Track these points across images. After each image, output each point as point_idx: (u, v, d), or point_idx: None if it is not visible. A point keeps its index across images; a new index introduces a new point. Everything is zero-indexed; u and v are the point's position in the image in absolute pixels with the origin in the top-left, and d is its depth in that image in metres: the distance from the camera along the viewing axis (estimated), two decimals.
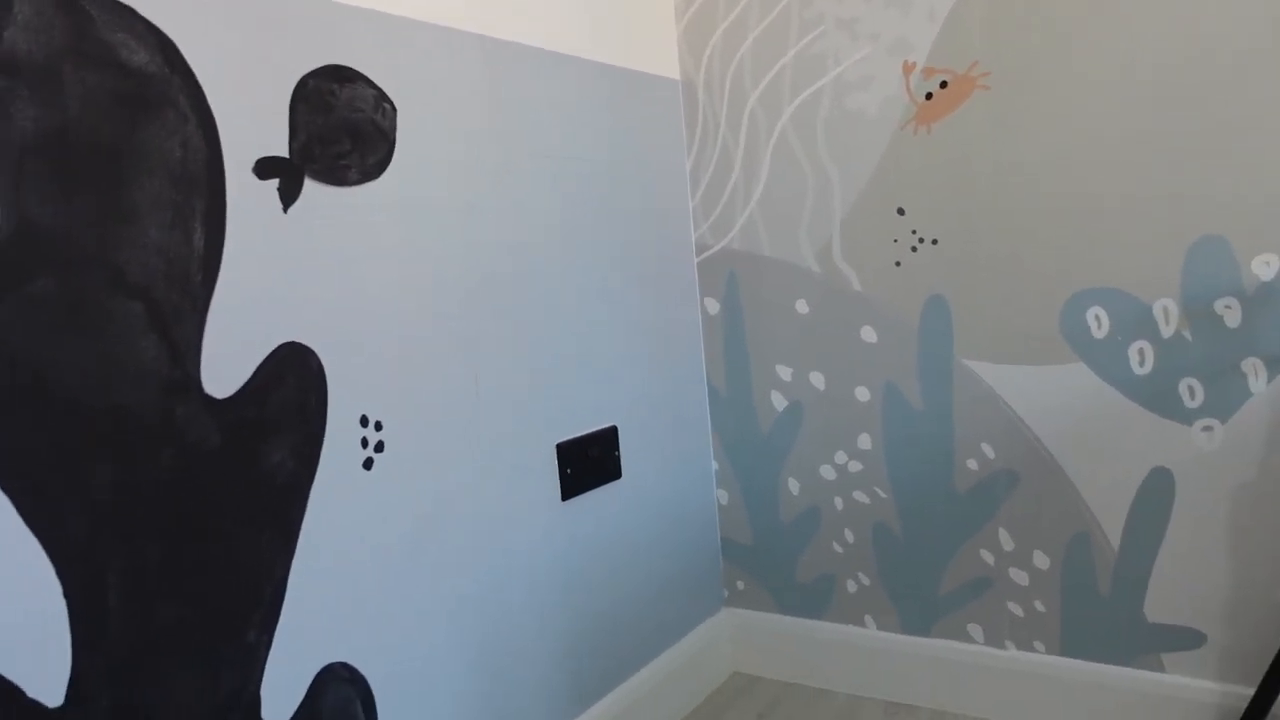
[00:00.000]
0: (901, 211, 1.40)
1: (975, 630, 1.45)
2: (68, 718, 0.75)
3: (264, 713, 0.90)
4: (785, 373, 1.56)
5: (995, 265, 1.34)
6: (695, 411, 1.61)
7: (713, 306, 1.62)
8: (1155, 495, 1.27)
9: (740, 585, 1.67)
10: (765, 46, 1.48)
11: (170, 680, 0.82)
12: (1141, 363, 1.26)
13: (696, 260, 1.62)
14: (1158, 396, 1.25)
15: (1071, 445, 1.32)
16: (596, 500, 1.37)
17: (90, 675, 0.76)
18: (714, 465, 1.66)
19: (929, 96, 1.36)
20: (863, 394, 1.49)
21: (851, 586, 1.55)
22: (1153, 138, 1.21)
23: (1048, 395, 1.32)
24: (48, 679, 0.74)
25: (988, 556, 1.41)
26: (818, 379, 1.53)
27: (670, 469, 1.54)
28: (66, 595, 0.75)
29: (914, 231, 1.40)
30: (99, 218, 0.77)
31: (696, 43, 1.55)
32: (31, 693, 0.73)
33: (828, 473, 1.54)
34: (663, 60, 1.53)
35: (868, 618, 1.55)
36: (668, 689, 1.50)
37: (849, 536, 1.54)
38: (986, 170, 1.33)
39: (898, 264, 1.42)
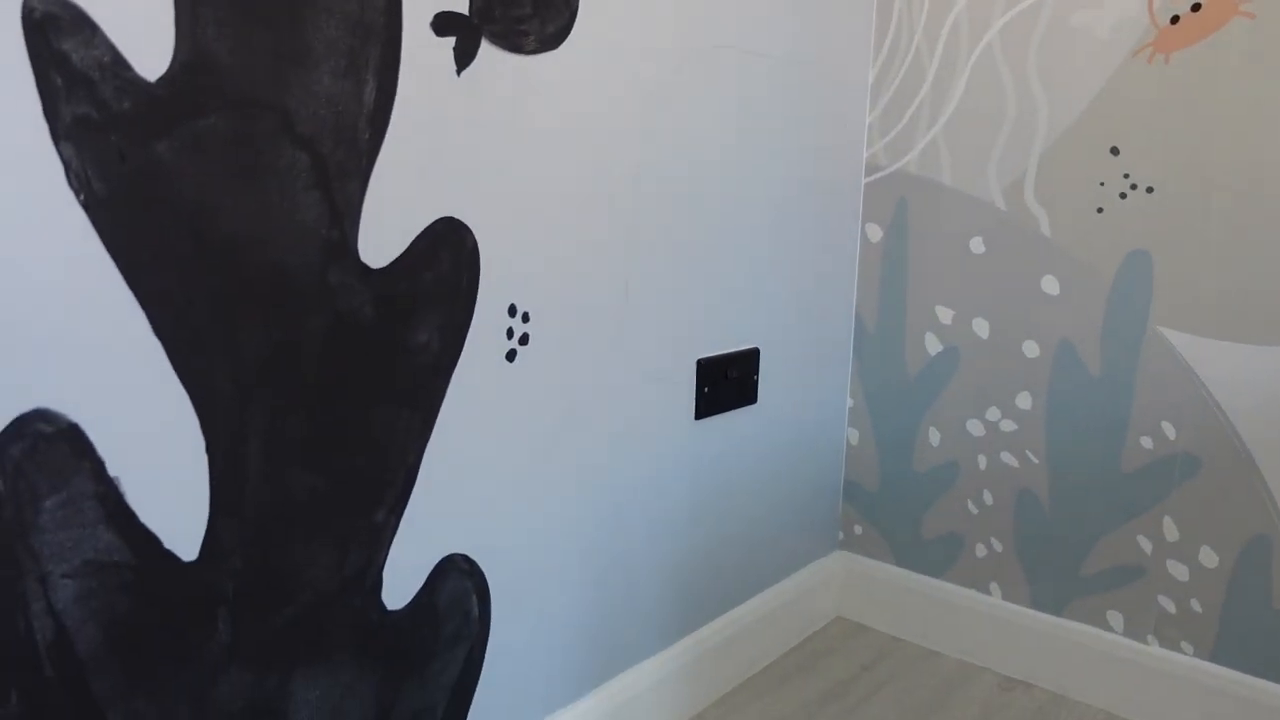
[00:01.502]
0: (1115, 151, 1.24)
1: (1115, 618, 1.34)
2: (200, 572, 0.73)
3: (384, 594, 0.88)
4: (945, 314, 1.43)
5: (1223, 223, 1.17)
6: (837, 342, 1.51)
7: (875, 233, 1.49)
8: None
9: (857, 530, 1.59)
10: None
11: (299, 550, 0.80)
12: None
13: (864, 181, 1.49)
14: None
15: (1274, 438, 1.17)
16: (729, 424, 1.30)
17: (224, 535, 0.74)
18: (849, 402, 1.56)
19: (1174, 20, 1.17)
20: (1031, 349, 1.35)
21: (981, 550, 1.46)
22: None
23: (1258, 379, 1.17)
24: (184, 533, 0.72)
25: (1145, 544, 1.29)
26: (981, 326, 1.40)
27: (804, 400, 1.45)
28: (209, 452, 0.72)
29: (1126, 175, 1.23)
30: (274, 57, 0.71)
31: None
32: (168, 544, 0.71)
33: (975, 428, 1.43)
34: None
35: (994, 585, 1.45)
36: (772, 623, 1.45)
37: (987, 498, 1.43)
38: (1232, 112, 1.15)
39: (1100, 210, 1.26)
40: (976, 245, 1.38)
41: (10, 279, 0.60)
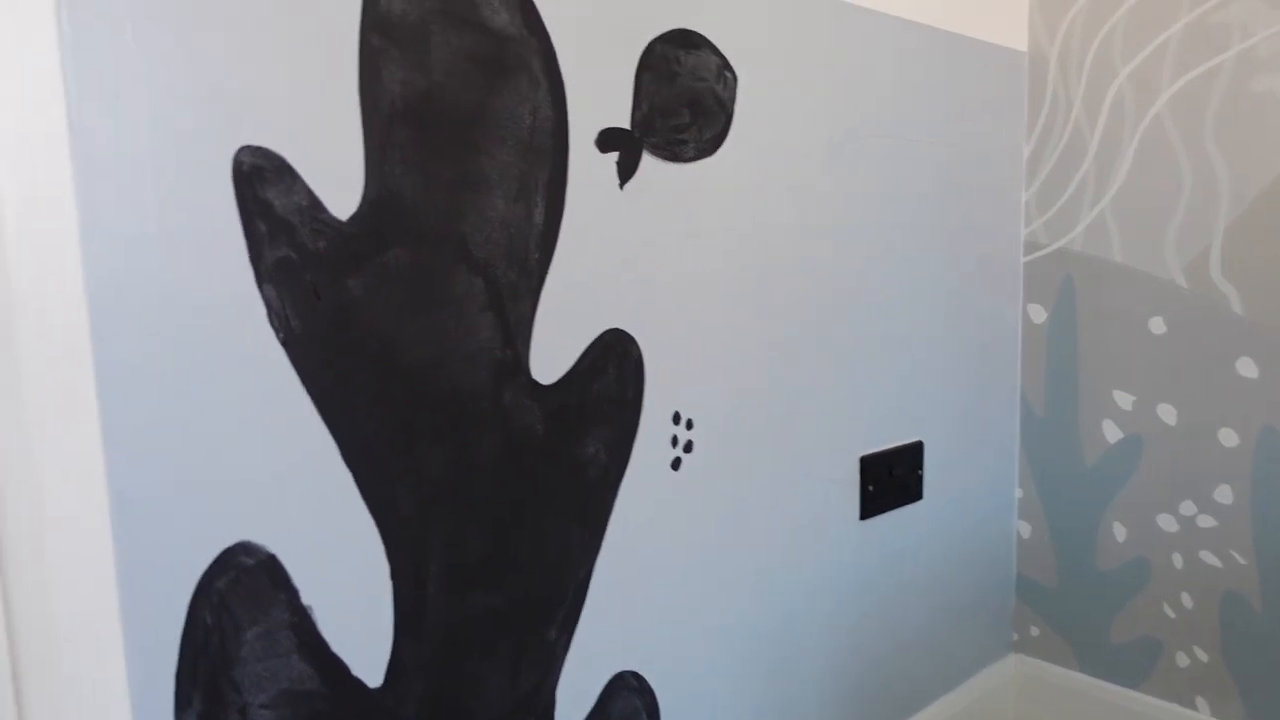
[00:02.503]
0: None
1: None
2: (384, 700, 0.73)
3: (556, 715, 0.85)
4: (1125, 400, 1.33)
5: None
6: (1003, 431, 1.43)
7: (1038, 314, 1.41)
8: None
9: (1034, 631, 1.47)
10: (1145, 15, 1.25)
11: (477, 671, 0.79)
12: None
13: (1024, 260, 1.42)
14: None
15: None
16: (894, 522, 1.23)
17: (407, 660, 0.74)
18: (1018, 492, 1.47)
19: None
20: (1229, 437, 1.24)
21: (1183, 660, 1.32)
22: None
23: None
24: (369, 659, 0.72)
25: None
26: (1168, 412, 1.29)
27: (971, 493, 1.37)
28: (393, 576, 0.73)
29: None
30: (452, 188, 0.73)
31: (1053, 10, 1.34)
32: (356, 670, 0.71)
33: (1168, 523, 1.31)
34: (1010, 29, 1.34)
35: (1200, 700, 1.30)
36: None
37: (1186, 601, 1.30)
38: None
39: None
40: (1156, 325, 1.29)
41: (218, 418, 0.63)
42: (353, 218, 0.68)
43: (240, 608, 0.64)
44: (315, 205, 0.66)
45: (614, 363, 0.87)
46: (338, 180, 0.67)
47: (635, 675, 0.92)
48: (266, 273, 0.64)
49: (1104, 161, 1.31)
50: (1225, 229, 1.21)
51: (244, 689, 0.65)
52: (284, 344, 0.65)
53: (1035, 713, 1.48)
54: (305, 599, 0.68)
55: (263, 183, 0.63)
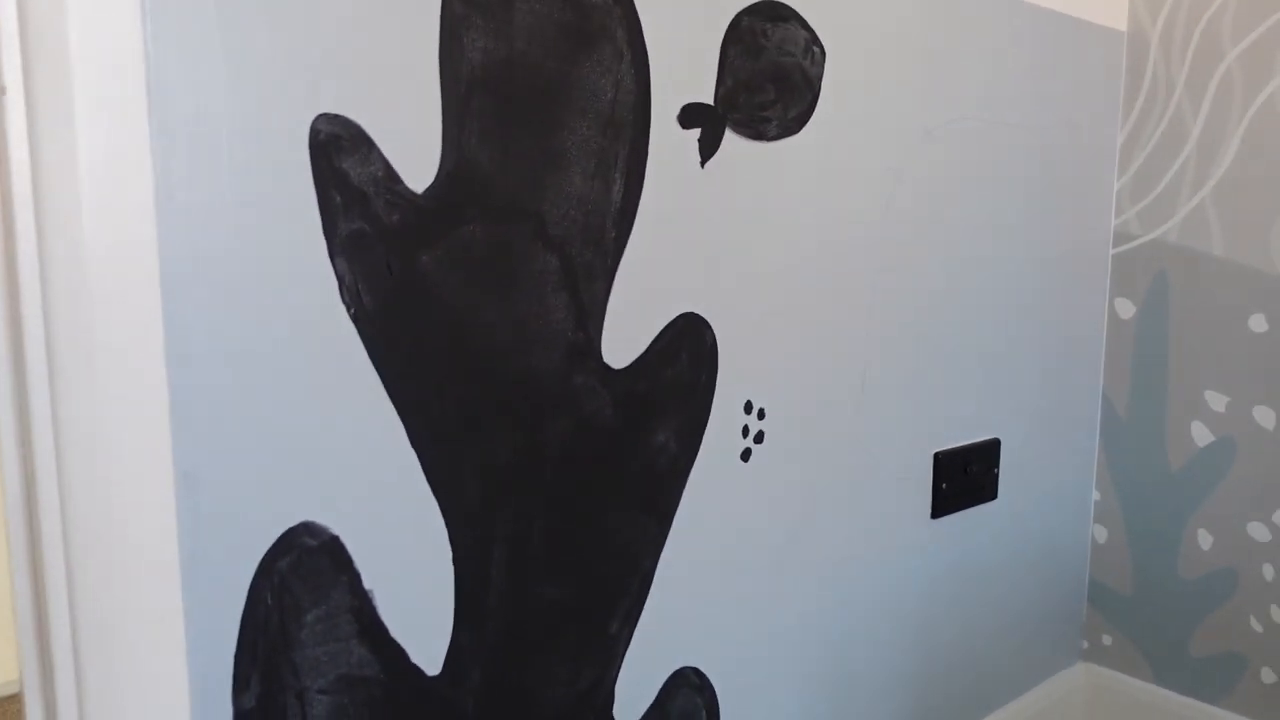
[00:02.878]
0: None
1: None
2: (441, 688, 0.71)
3: (615, 709, 0.83)
4: (1218, 401, 1.26)
5: None
6: (1082, 431, 1.36)
7: (1125, 309, 1.34)
8: None
9: (1106, 640, 1.41)
10: None
11: (536, 663, 0.76)
12: None
13: (1112, 252, 1.35)
14: None
15: None
16: (967, 522, 1.18)
17: (467, 649, 0.72)
18: (1095, 495, 1.40)
19: None
20: None
21: (1269, 676, 1.25)
22: None
23: None
24: (429, 646, 0.70)
25: None
26: (1266, 415, 1.22)
27: (1046, 494, 1.31)
28: (455, 562, 0.71)
29: None
30: (530, 161, 0.70)
31: None
32: (414, 657, 0.69)
33: (1259, 532, 1.24)
34: (1109, 7, 1.26)
35: None
36: None
37: (1276, 615, 1.23)
38: None
39: None
40: (1257, 323, 1.21)
41: (285, 395, 0.61)
42: (428, 190, 0.65)
43: (301, 589, 0.63)
44: (391, 176, 0.64)
45: (687, 348, 0.83)
46: (414, 151, 0.64)
47: (696, 671, 0.89)
48: (339, 245, 0.62)
49: (1207, 148, 1.23)
50: None
51: (302, 672, 0.63)
52: (354, 319, 0.63)
53: None
54: (367, 583, 0.66)
55: (339, 152, 0.61)
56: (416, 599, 0.69)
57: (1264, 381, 1.21)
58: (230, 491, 0.59)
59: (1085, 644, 1.44)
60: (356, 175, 0.62)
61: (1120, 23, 1.29)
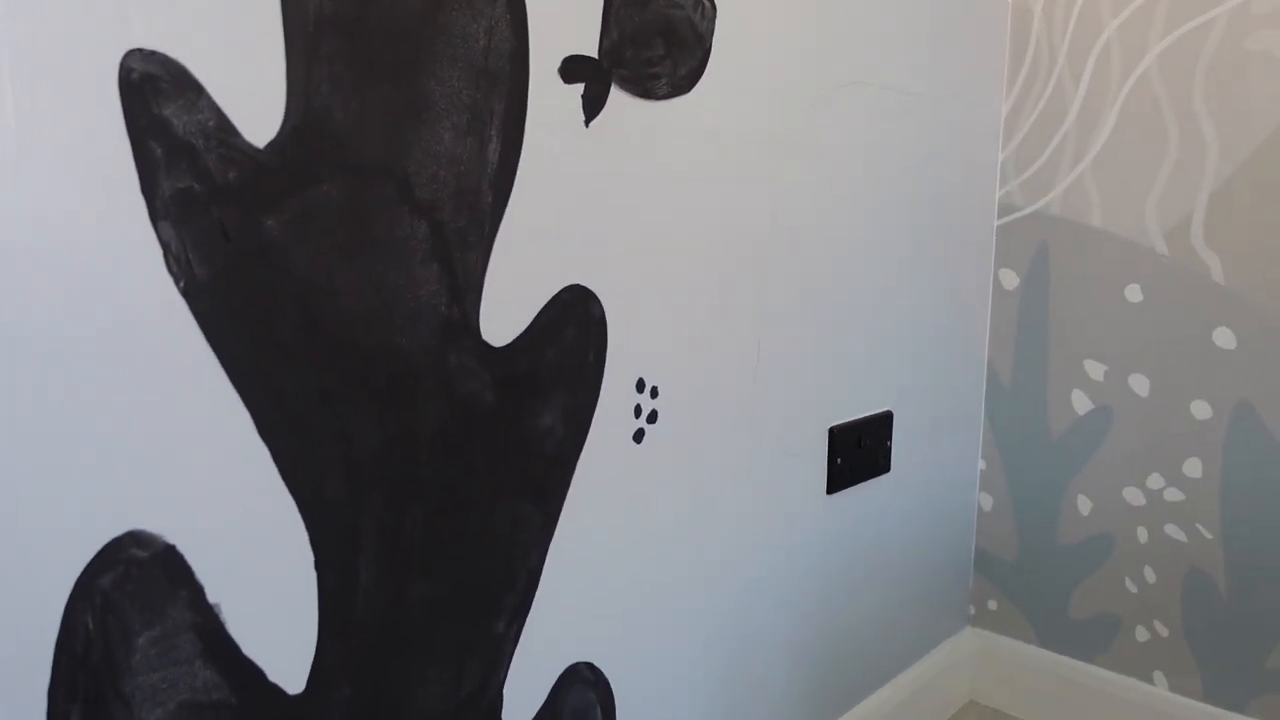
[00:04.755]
0: None
1: None
2: (306, 707, 0.63)
3: (504, 712, 0.77)
4: (1096, 370, 1.29)
5: None
6: (968, 400, 1.37)
7: (1009, 280, 1.36)
8: None
9: (992, 605, 1.44)
10: None
11: (414, 670, 0.70)
12: None
13: (997, 223, 1.36)
14: None
15: None
16: (861, 496, 1.17)
17: (334, 661, 0.65)
18: (981, 464, 1.42)
19: None
20: (1201, 410, 1.20)
21: (1142, 634, 1.29)
22: None
23: None
24: (290, 662, 0.62)
25: None
26: (1140, 383, 1.25)
27: (935, 465, 1.32)
28: (317, 565, 0.63)
29: None
30: (391, 115, 0.62)
31: None
32: (273, 676, 0.61)
33: (1134, 496, 1.27)
34: None
35: (1158, 675, 1.28)
36: (903, 711, 1.30)
37: (1149, 576, 1.27)
38: None
39: None
40: (1133, 294, 1.24)
41: (102, 383, 0.52)
42: (271, 144, 0.57)
43: (131, 609, 0.54)
44: (225, 128, 0.55)
45: (574, 323, 0.77)
46: (253, 99, 0.56)
47: (590, 666, 0.84)
48: (163, 207, 0.53)
49: (1087, 121, 1.25)
50: (1210, 195, 1.16)
51: (135, 704, 0.54)
52: (184, 294, 0.54)
53: (991, 686, 1.45)
54: (211, 596, 0.58)
55: (157, 96, 0.52)
56: (273, 610, 0.61)
57: (1139, 350, 1.24)
58: (37, 499, 0.50)
59: (973, 609, 1.47)
60: (181, 125, 0.53)
61: None
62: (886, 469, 1.20)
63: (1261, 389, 1.14)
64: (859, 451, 1.14)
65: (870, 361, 1.15)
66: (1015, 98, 1.32)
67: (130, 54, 0.51)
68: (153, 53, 0.51)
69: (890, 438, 1.19)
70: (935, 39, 1.16)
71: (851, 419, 1.12)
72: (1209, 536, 1.21)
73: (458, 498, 0.71)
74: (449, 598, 0.71)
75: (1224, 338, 1.17)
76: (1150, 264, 1.22)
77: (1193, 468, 1.22)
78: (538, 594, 0.78)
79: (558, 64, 0.72)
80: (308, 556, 0.62)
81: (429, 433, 0.68)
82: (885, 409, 1.19)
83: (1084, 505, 1.32)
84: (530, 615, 0.78)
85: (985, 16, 1.25)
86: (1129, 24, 1.20)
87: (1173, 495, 1.24)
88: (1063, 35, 1.26)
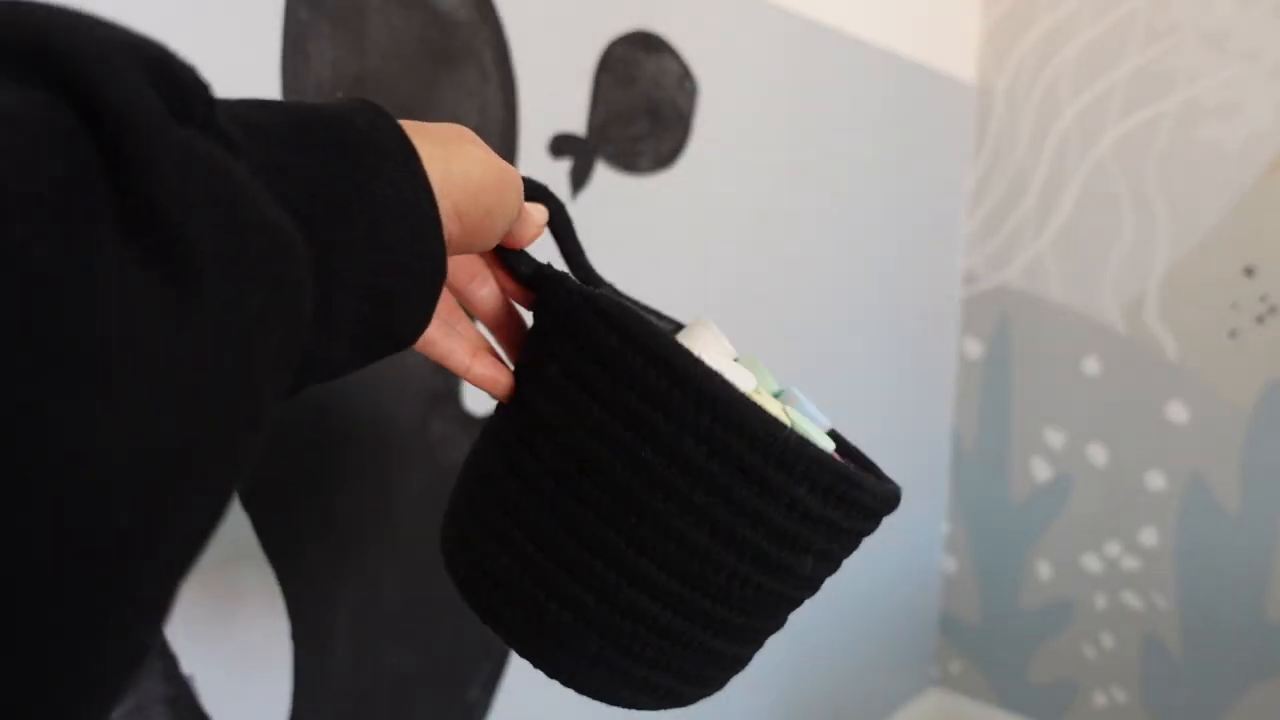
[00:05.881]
0: (1250, 272, 1.14)
1: None
2: None
3: None
4: (1056, 438, 1.32)
5: None
6: (933, 465, 1.40)
7: (974, 349, 1.40)
8: None
9: (955, 668, 1.46)
10: (1095, 55, 1.24)
11: None
12: None
13: (961, 295, 1.40)
14: None
15: None
16: None
17: None
18: (944, 528, 1.45)
19: None
20: (1156, 481, 1.24)
21: (1100, 700, 1.31)
22: None
23: None
24: None
25: None
26: (1098, 453, 1.29)
27: (900, 528, 1.34)
28: (294, 636, 0.63)
29: (1263, 298, 1.14)
30: None
31: (1003, 42, 1.32)
32: None
33: (1092, 563, 1.30)
34: (959, 59, 1.32)
35: None
36: None
37: (1107, 642, 1.30)
38: None
39: (1233, 334, 1.16)
40: (1091, 366, 1.28)
41: None
42: None
43: None
44: None
45: None
46: None
47: None
48: None
49: (1047, 199, 1.30)
50: (1163, 275, 1.21)
51: None
52: None
53: None
54: (185, 667, 0.57)
55: None
56: (247, 681, 0.61)
57: (1097, 421, 1.28)
58: None
59: (935, 671, 1.48)
60: None
61: (970, 75, 1.35)
62: None
63: (1213, 462, 1.19)
64: None
65: (837, 425, 1.17)
66: (981, 173, 1.37)
67: None
68: None
69: None
70: (903, 119, 1.21)
71: None
72: (1164, 605, 1.24)
73: (434, 564, 0.71)
74: (423, 665, 0.71)
75: (1177, 412, 1.21)
76: (1107, 338, 1.26)
77: (1149, 536, 1.25)
78: (510, 661, 0.78)
79: (546, 140, 0.75)
80: (284, 626, 0.62)
81: (409, 500, 0.68)
82: None
83: (1044, 571, 1.35)
84: (503, 683, 0.78)
85: (951, 97, 1.31)
86: (1086, 111, 1.25)
87: (1129, 563, 1.27)
88: (1022, 116, 1.31)
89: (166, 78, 0.22)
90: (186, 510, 0.20)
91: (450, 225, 0.31)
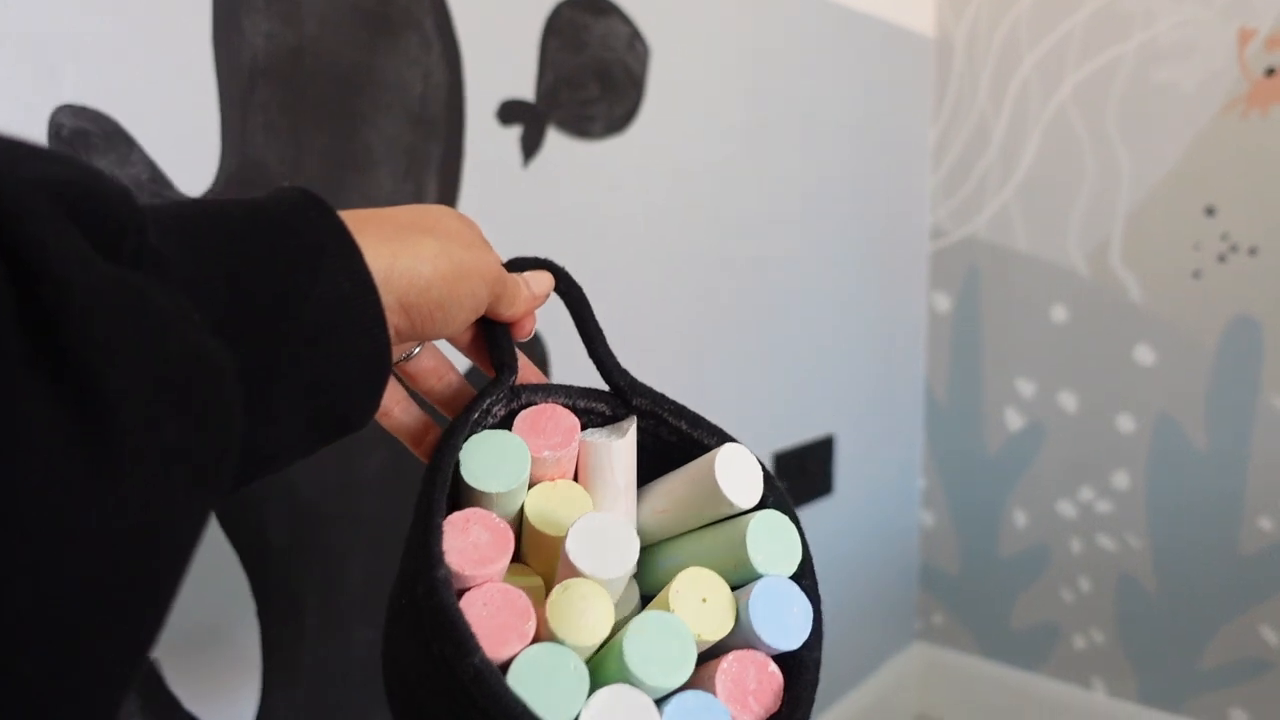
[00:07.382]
0: (1211, 211, 1.15)
1: (1239, 716, 1.21)
2: None
3: None
4: (1027, 388, 1.33)
5: None
6: (907, 421, 1.41)
7: (942, 303, 1.40)
8: None
9: (937, 619, 1.47)
10: (1050, 2, 1.24)
11: (361, 718, 0.69)
12: None
13: (929, 248, 1.40)
14: None
15: None
16: (806, 518, 1.19)
17: (280, 712, 0.64)
18: (920, 482, 1.46)
19: (1270, 73, 1.09)
20: (1126, 423, 1.25)
21: (1079, 642, 1.33)
22: None
23: None
24: (233, 716, 0.62)
25: (1270, 635, 1.17)
26: (1069, 399, 1.30)
27: (877, 484, 1.35)
28: (260, 615, 0.63)
29: (1224, 237, 1.14)
30: (329, 161, 0.63)
31: None
32: None
33: (1066, 509, 1.32)
34: (917, 11, 1.31)
35: (1096, 680, 1.33)
36: None
37: (1084, 585, 1.32)
38: None
39: (1196, 274, 1.17)
40: (1058, 313, 1.29)
41: None
42: (207, 195, 0.57)
43: None
44: (158, 180, 0.55)
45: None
46: (188, 150, 0.56)
47: None
48: None
49: (1009, 150, 1.30)
50: (1125, 219, 1.21)
51: None
52: None
53: (939, 699, 1.48)
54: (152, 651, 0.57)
55: (89, 151, 0.52)
56: (215, 663, 0.60)
57: (1067, 368, 1.29)
58: None
59: (918, 624, 1.50)
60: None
61: (929, 28, 1.34)
62: (829, 491, 1.22)
63: (1180, 402, 1.20)
64: (804, 476, 1.16)
65: (813, 385, 1.17)
66: (942, 127, 1.36)
67: (60, 110, 0.50)
68: (83, 108, 0.51)
69: (832, 460, 1.22)
70: (863, 74, 1.20)
71: (794, 444, 1.15)
72: (1138, 545, 1.26)
73: (399, 539, 0.70)
74: None
75: (1144, 354, 1.22)
76: (1073, 285, 1.27)
77: (1120, 479, 1.26)
78: None
79: (494, 108, 0.74)
80: (250, 606, 0.62)
81: (374, 478, 0.68)
82: (827, 432, 1.21)
83: (1020, 519, 1.36)
84: None
85: (910, 50, 1.30)
86: (1045, 58, 1.25)
87: (1103, 506, 1.28)
88: (983, 66, 1.31)
89: (91, 210, 0.22)
90: (109, 641, 0.20)
91: (395, 318, 0.32)
